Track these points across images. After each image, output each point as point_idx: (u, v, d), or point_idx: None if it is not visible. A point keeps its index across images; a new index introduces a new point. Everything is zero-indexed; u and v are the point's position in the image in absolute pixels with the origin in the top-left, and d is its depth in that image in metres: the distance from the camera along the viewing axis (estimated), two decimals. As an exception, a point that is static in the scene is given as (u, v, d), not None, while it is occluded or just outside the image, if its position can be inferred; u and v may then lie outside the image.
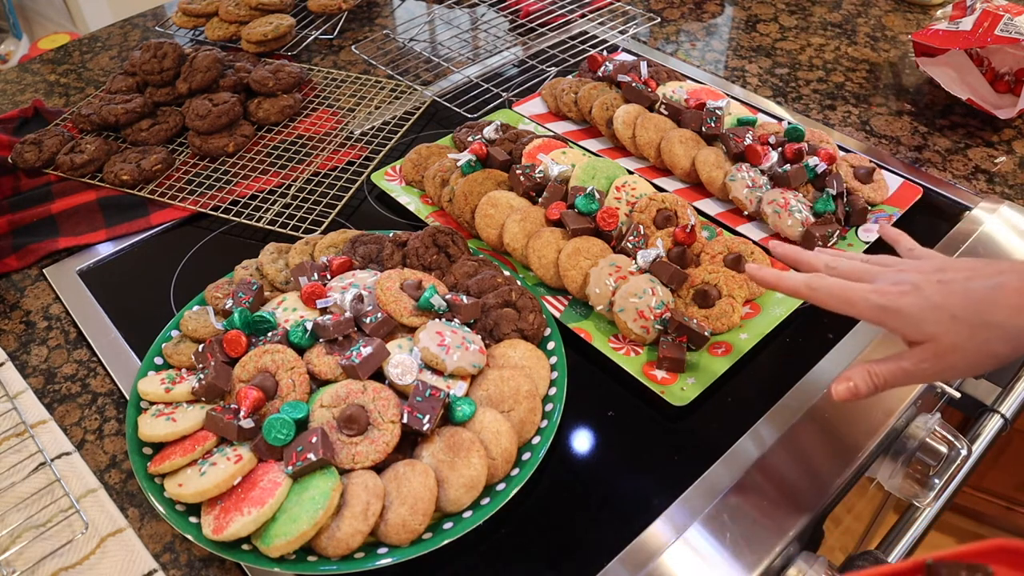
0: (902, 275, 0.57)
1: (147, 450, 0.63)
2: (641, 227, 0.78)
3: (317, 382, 0.65)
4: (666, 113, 0.95)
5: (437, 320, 0.68)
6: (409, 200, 0.90)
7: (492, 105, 1.06)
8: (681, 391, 0.67)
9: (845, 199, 0.85)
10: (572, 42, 1.18)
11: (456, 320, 0.69)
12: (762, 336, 0.72)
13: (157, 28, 1.30)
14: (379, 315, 0.68)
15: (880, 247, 0.82)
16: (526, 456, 0.62)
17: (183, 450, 0.60)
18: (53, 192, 0.96)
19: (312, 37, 1.22)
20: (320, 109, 1.08)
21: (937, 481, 0.69)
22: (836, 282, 0.59)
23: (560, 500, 0.63)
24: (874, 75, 1.11)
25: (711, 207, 0.88)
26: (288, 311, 0.71)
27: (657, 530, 0.60)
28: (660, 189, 0.88)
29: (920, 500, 0.71)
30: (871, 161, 0.91)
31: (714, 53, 1.17)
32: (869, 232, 0.83)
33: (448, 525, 0.58)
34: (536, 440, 0.63)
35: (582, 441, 0.67)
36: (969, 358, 0.53)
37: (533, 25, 1.24)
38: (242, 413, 0.61)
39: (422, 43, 1.24)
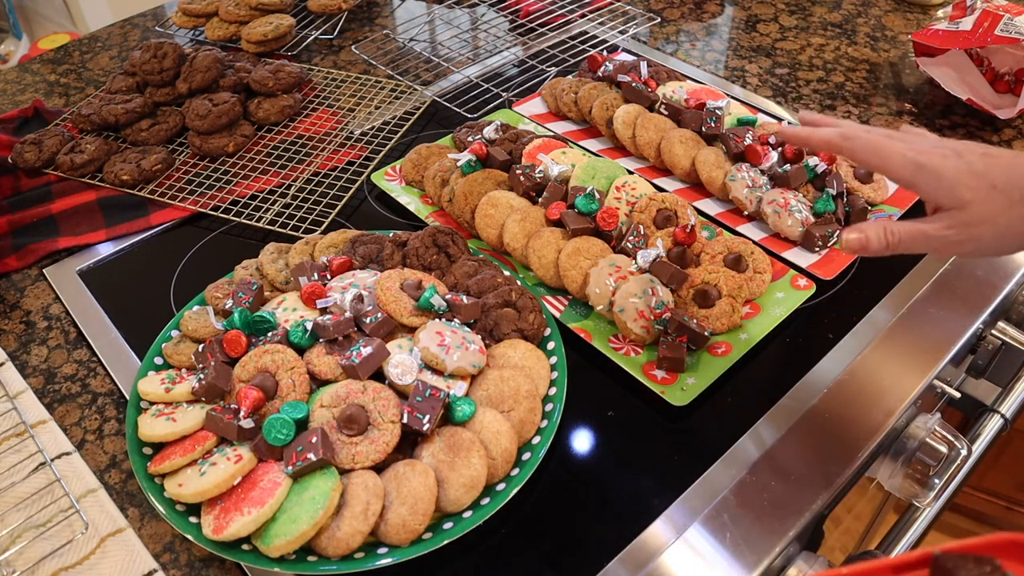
0: (944, 142, 0.55)
1: (147, 450, 0.63)
2: (641, 227, 0.78)
3: (317, 382, 0.65)
4: (666, 113, 0.95)
5: (437, 320, 0.68)
6: (409, 200, 0.90)
7: (492, 105, 1.06)
8: (681, 391, 0.67)
9: (845, 199, 0.85)
10: (572, 42, 1.18)
11: (456, 320, 0.69)
12: (762, 336, 0.72)
13: (157, 28, 1.30)
14: (379, 315, 0.68)
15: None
16: (526, 456, 0.62)
17: (183, 450, 0.60)
18: (53, 192, 0.96)
19: (312, 37, 1.22)
20: (320, 109, 1.08)
21: (937, 481, 0.69)
22: (872, 136, 0.56)
23: (560, 500, 0.63)
24: (874, 75, 1.11)
25: (711, 207, 0.88)
26: (288, 311, 0.71)
27: (657, 530, 0.60)
28: (660, 189, 0.88)
29: (920, 500, 0.71)
30: (871, 161, 0.91)
31: (714, 53, 1.17)
32: (869, 232, 0.82)
33: (448, 525, 0.58)
34: (536, 440, 0.63)
35: (582, 441, 0.67)
36: (999, 232, 0.51)
37: (533, 25, 1.24)
38: (242, 413, 0.61)
39: (422, 43, 1.24)
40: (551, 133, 1.00)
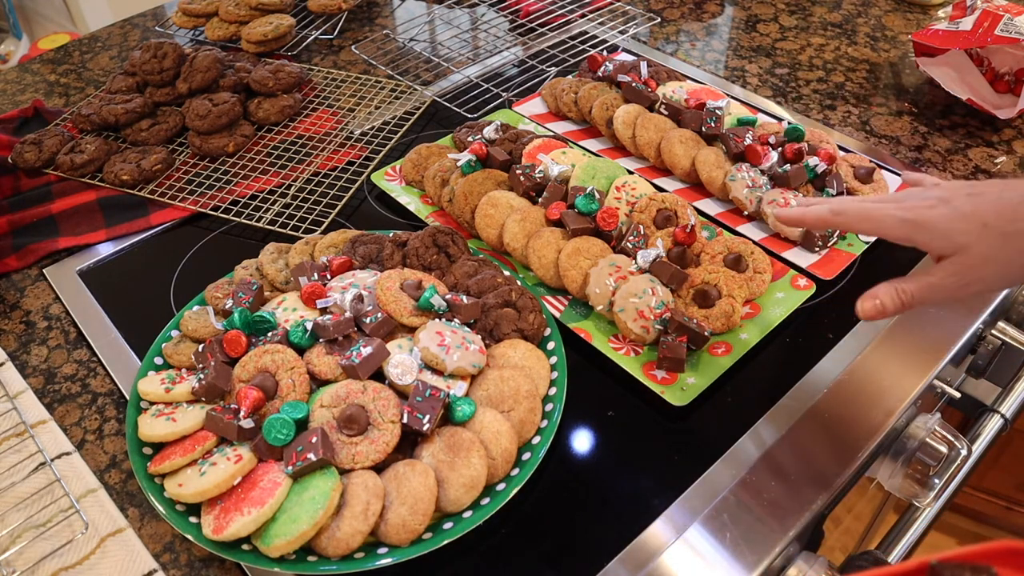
0: (929, 192, 0.56)
1: (147, 450, 0.63)
2: (641, 227, 0.78)
3: (317, 382, 0.65)
4: (666, 113, 0.95)
5: (437, 320, 0.68)
6: (409, 200, 0.90)
7: (492, 105, 1.06)
8: (681, 391, 0.67)
9: (845, 199, 0.85)
10: (572, 42, 1.18)
11: (456, 320, 0.69)
12: (762, 336, 0.72)
13: (157, 28, 1.30)
14: (379, 315, 0.68)
15: (879, 248, 0.82)
16: (526, 456, 0.62)
17: (183, 450, 0.60)
18: (53, 192, 0.96)
19: (312, 37, 1.22)
20: (320, 109, 1.08)
21: (937, 481, 0.69)
22: (861, 204, 0.57)
23: (560, 500, 0.63)
24: (874, 75, 1.11)
25: (711, 207, 0.88)
26: (288, 311, 0.71)
27: (657, 530, 0.60)
28: (660, 189, 0.88)
29: (920, 500, 0.71)
30: (871, 161, 0.91)
31: (714, 53, 1.17)
32: (869, 232, 0.82)
33: (448, 525, 0.58)
34: (536, 440, 0.63)
35: (582, 441, 0.67)
36: (1001, 269, 0.52)
37: (533, 25, 1.24)
38: (242, 413, 0.61)
39: (422, 43, 1.24)
40: (551, 133, 1.00)
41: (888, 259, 0.82)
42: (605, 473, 0.64)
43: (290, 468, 0.57)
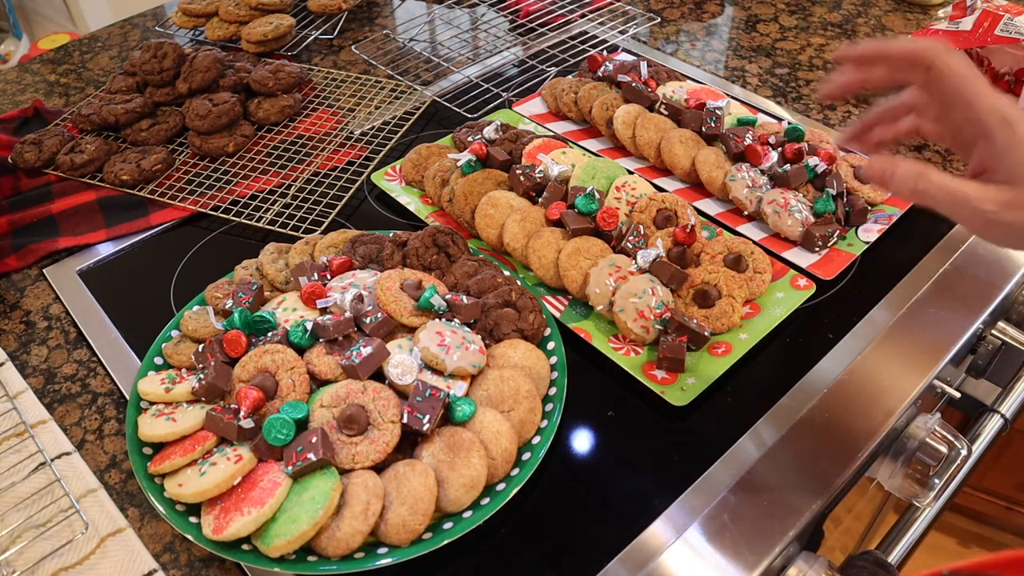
0: None
1: (147, 450, 0.63)
2: (641, 227, 0.78)
3: (317, 382, 0.65)
4: (666, 113, 0.95)
5: (437, 320, 0.68)
6: (409, 200, 0.90)
7: (492, 105, 1.06)
8: (681, 391, 0.67)
9: (845, 199, 0.85)
10: (572, 42, 1.18)
11: (456, 320, 0.69)
12: (762, 336, 0.72)
13: (157, 28, 1.30)
14: (379, 315, 0.68)
15: (878, 248, 0.82)
16: (526, 456, 0.62)
17: (183, 450, 0.60)
18: (53, 192, 0.96)
19: (312, 37, 1.22)
20: (320, 109, 1.08)
21: (937, 481, 0.69)
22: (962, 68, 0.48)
23: (560, 500, 0.63)
24: (874, 75, 1.11)
25: (711, 207, 0.88)
26: (288, 311, 0.71)
27: (657, 530, 0.60)
28: (660, 189, 0.88)
29: (920, 500, 0.71)
30: (871, 161, 0.91)
31: (714, 53, 1.17)
32: (869, 232, 0.83)
33: (448, 525, 0.58)
34: (536, 440, 0.63)
35: (582, 441, 0.67)
36: None
37: (533, 25, 1.24)
38: (242, 413, 0.61)
39: (422, 43, 1.24)
40: (551, 133, 1.00)
41: (889, 259, 0.82)
42: (605, 473, 0.64)
43: (290, 468, 0.57)
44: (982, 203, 0.45)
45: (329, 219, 0.88)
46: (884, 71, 0.52)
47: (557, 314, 0.76)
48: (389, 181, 0.93)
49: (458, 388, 0.64)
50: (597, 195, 0.80)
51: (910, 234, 0.84)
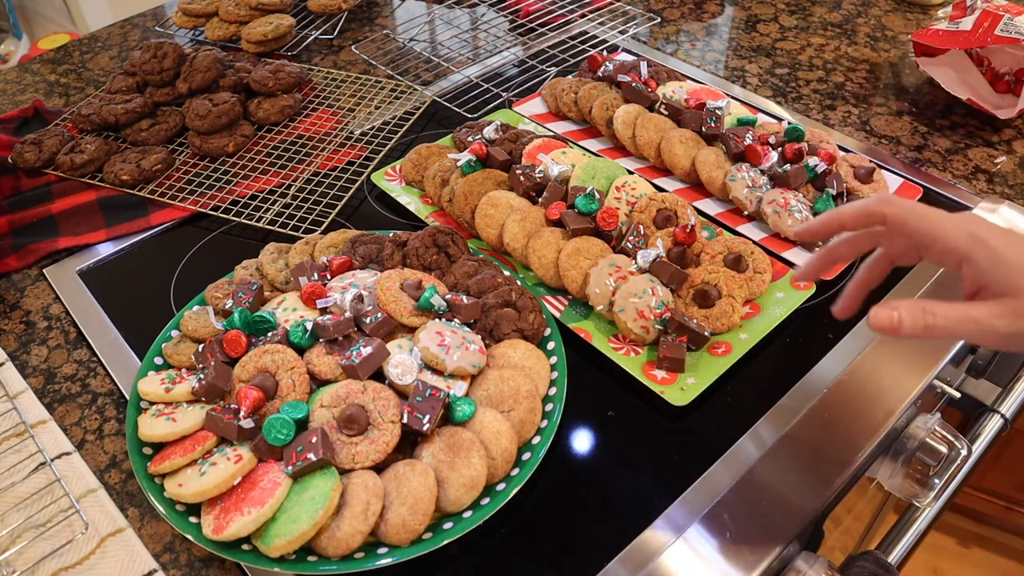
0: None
1: (147, 450, 0.63)
2: (641, 227, 0.78)
3: (317, 382, 0.65)
4: (666, 113, 0.95)
5: (437, 320, 0.68)
6: (409, 200, 0.90)
7: (492, 105, 1.06)
8: (681, 391, 0.67)
9: (845, 199, 0.85)
10: (572, 42, 1.18)
11: (456, 320, 0.69)
12: (762, 336, 0.72)
13: (157, 28, 1.30)
14: (379, 315, 0.68)
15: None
16: (526, 456, 0.62)
17: (183, 450, 0.60)
18: (53, 192, 0.96)
19: (312, 37, 1.22)
20: (320, 109, 1.08)
21: (937, 481, 0.69)
22: (916, 204, 0.50)
23: (560, 500, 0.63)
24: (874, 75, 1.11)
25: (711, 207, 0.88)
26: (288, 311, 0.71)
27: (657, 530, 0.60)
28: (660, 189, 0.88)
29: (920, 500, 0.71)
30: (871, 161, 0.91)
31: (714, 53, 1.17)
32: (869, 232, 0.82)
33: (448, 525, 0.58)
34: (536, 440, 0.63)
35: (582, 441, 0.67)
36: None
37: (533, 25, 1.24)
38: (242, 413, 0.61)
39: (422, 43, 1.24)
40: (551, 133, 1.00)
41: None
42: (605, 473, 0.64)
43: (290, 468, 0.57)
44: (991, 321, 0.46)
45: (329, 219, 0.88)
46: (847, 248, 0.55)
47: (557, 314, 0.76)
48: (389, 181, 0.93)
49: (458, 388, 0.64)
50: (597, 195, 0.80)
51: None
